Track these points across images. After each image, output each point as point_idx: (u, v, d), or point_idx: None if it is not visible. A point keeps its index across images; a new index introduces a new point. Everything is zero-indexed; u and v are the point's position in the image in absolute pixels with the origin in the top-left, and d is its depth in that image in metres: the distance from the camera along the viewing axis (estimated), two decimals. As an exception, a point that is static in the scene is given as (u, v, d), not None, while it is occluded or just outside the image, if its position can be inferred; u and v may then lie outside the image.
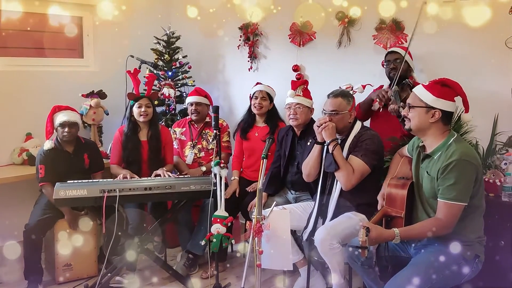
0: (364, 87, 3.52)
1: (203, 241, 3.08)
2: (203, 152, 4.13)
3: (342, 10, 3.94)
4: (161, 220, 3.49)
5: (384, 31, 3.78)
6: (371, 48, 3.87)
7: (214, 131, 3.37)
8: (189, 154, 4.12)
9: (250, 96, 4.04)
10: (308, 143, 3.40)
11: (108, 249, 3.19)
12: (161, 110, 4.63)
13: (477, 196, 2.48)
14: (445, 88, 2.54)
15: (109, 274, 3.41)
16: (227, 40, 4.75)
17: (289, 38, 4.32)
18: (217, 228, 2.99)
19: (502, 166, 3.12)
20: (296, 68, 4.32)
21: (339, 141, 3.10)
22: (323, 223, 3.06)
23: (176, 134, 4.19)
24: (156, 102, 4.26)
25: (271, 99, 3.98)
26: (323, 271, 3.37)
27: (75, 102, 4.05)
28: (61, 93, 4.27)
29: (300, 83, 3.57)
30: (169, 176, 3.56)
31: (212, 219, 3.04)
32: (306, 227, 3.18)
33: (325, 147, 3.09)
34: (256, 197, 2.67)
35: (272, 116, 4.00)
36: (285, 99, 3.57)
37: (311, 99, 3.57)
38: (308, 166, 3.19)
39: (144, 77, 4.28)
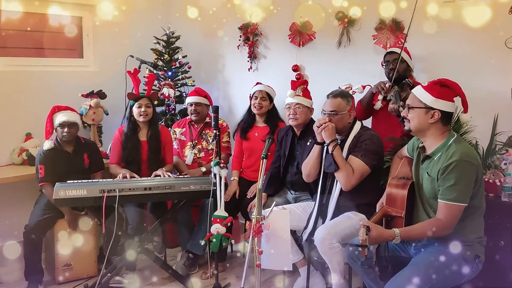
0: (364, 87, 3.52)
1: (203, 241, 3.08)
2: (203, 153, 4.13)
3: (342, 10, 3.94)
4: (160, 220, 3.49)
5: (384, 31, 3.78)
6: (371, 48, 3.87)
7: (214, 131, 3.37)
8: (189, 155, 4.12)
9: (250, 96, 4.04)
10: (308, 143, 3.40)
11: (108, 249, 3.19)
12: (161, 110, 4.63)
13: (477, 197, 2.48)
14: (444, 88, 2.54)
15: (109, 274, 3.41)
16: (227, 40, 4.75)
17: (289, 38, 4.32)
18: (217, 228, 3.00)
19: (502, 166, 3.12)
20: (296, 68, 4.32)
21: (339, 141, 3.10)
22: (323, 223, 3.06)
23: (176, 134, 4.19)
24: (156, 102, 4.26)
25: (271, 99, 3.98)
26: (323, 271, 3.37)
27: (75, 102, 4.05)
28: (61, 93, 4.27)
29: (300, 83, 3.57)
30: (169, 176, 3.55)
31: (212, 219, 3.04)
32: (306, 227, 3.18)
33: (325, 147, 3.09)
34: (256, 197, 2.67)
35: (272, 116, 3.99)
36: (285, 99, 3.57)
37: (311, 99, 3.57)
38: (308, 167, 3.19)
39: (144, 77, 4.29)
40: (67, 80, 4.40)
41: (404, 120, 2.62)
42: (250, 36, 4.56)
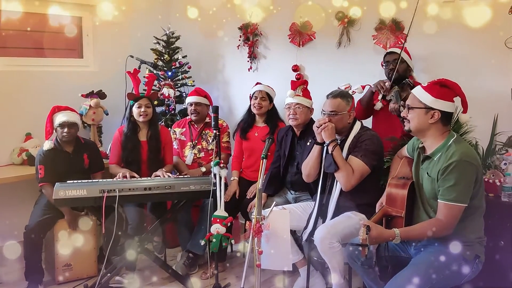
0: (363, 87, 3.52)
1: (203, 241, 3.08)
2: (203, 153, 4.13)
3: (342, 10, 3.94)
4: (160, 220, 3.49)
5: (383, 31, 3.78)
6: (371, 48, 3.87)
7: (214, 131, 3.37)
8: (189, 155, 4.12)
9: (250, 96, 4.04)
10: (308, 143, 3.40)
11: (107, 249, 3.19)
12: (160, 110, 4.63)
13: (477, 197, 2.48)
14: (444, 88, 2.54)
15: (108, 274, 3.41)
16: (227, 40, 4.75)
17: (289, 38, 4.32)
18: (217, 228, 3.00)
19: (501, 166, 3.12)
20: (295, 68, 4.32)
21: (339, 141, 3.10)
22: (323, 223, 3.06)
23: (176, 134, 4.19)
24: (155, 102, 4.26)
25: (270, 99, 3.98)
26: (323, 271, 3.37)
27: (74, 102, 4.05)
28: (60, 93, 4.27)
29: (300, 83, 3.56)
30: (168, 176, 3.55)
31: (212, 219, 3.04)
32: (306, 227, 3.18)
33: (325, 147, 3.09)
34: (256, 197, 2.67)
35: (271, 116, 3.99)
36: (284, 99, 3.57)
37: (311, 99, 3.57)
38: (308, 167, 3.19)
39: (144, 77, 4.28)
40: (67, 80, 4.40)
41: (404, 120, 2.62)
42: (250, 36, 4.56)
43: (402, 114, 2.66)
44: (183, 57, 4.73)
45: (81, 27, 4.62)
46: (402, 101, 3.18)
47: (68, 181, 3.19)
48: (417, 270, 2.45)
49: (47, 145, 3.53)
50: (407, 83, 3.34)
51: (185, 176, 3.72)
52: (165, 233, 3.89)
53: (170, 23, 4.83)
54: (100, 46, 4.70)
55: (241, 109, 4.38)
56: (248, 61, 4.62)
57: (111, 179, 3.48)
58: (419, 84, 2.71)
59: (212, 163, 3.28)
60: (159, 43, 4.68)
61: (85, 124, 4.30)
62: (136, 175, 3.59)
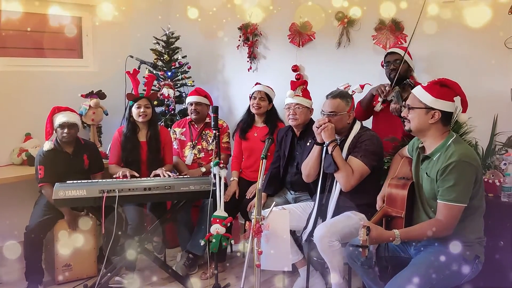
0: (362, 87, 3.52)
1: (203, 241, 3.08)
2: (203, 153, 4.13)
3: (341, 11, 3.94)
4: (160, 220, 3.49)
5: (383, 32, 3.78)
6: (371, 48, 3.86)
7: (214, 132, 3.37)
8: (189, 155, 4.12)
9: (249, 97, 4.04)
10: (308, 144, 3.40)
11: (107, 249, 3.19)
12: (160, 110, 4.63)
13: (477, 197, 2.48)
14: (444, 88, 2.54)
15: (108, 274, 3.41)
16: (227, 41, 4.75)
17: (289, 39, 4.32)
18: (217, 229, 3.00)
19: (501, 166, 3.11)
20: (295, 68, 4.32)
21: (338, 141, 3.10)
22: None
23: (176, 134, 4.19)
24: (155, 103, 4.26)
25: (270, 99, 3.98)
26: (322, 271, 3.37)
27: (74, 102, 4.05)
28: (60, 93, 4.27)
29: (300, 83, 3.56)
30: (168, 176, 3.55)
31: (212, 219, 3.04)
32: (305, 227, 3.18)
33: (325, 147, 3.09)
34: (256, 197, 2.67)
35: (271, 116, 4.00)
36: (284, 100, 3.57)
37: (311, 99, 3.56)
38: (308, 167, 3.19)
39: (144, 77, 4.28)
40: (66, 80, 4.40)
41: (405, 120, 2.62)
42: (250, 36, 4.56)
43: (402, 114, 2.66)
44: (182, 57, 4.72)
45: (80, 27, 4.62)
46: (403, 102, 3.18)
47: (67, 181, 3.19)
48: (417, 270, 2.45)
49: (47, 145, 3.53)
50: (408, 84, 3.34)
51: (185, 176, 3.72)
52: (165, 234, 3.89)
53: (170, 23, 4.83)
54: (100, 46, 4.70)
55: (241, 109, 4.38)
56: (248, 61, 4.62)
57: (110, 179, 3.48)
58: (420, 84, 2.71)
59: (212, 163, 3.28)
60: (158, 43, 4.68)
61: (85, 124, 4.30)
62: (136, 174, 3.59)
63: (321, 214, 3.13)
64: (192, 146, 4.13)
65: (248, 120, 4.05)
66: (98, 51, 4.70)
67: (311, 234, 3.06)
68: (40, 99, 4.19)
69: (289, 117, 3.50)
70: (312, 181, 3.24)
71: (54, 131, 3.58)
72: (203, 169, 4.08)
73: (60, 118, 3.53)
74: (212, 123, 3.42)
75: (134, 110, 3.73)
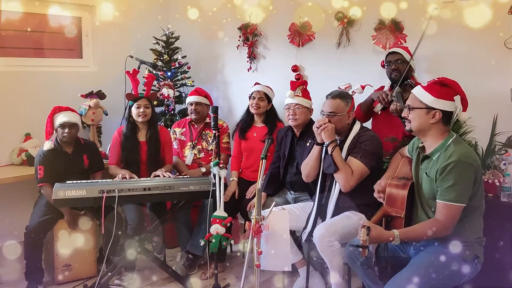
0: (363, 87, 3.51)
1: (202, 241, 3.08)
2: (203, 153, 4.13)
3: (341, 11, 3.94)
4: (160, 220, 3.49)
5: (383, 32, 3.78)
6: (370, 48, 3.86)
7: (214, 132, 3.37)
8: (189, 155, 4.12)
9: (248, 96, 4.04)
10: (308, 144, 3.40)
11: (107, 250, 3.19)
12: (160, 110, 4.63)
13: (476, 197, 2.48)
14: (444, 88, 2.54)
15: (108, 274, 3.41)
16: (227, 41, 4.75)
17: (288, 39, 4.32)
18: (216, 229, 3.00)
19: (501, 166, 3.12)
20: (295, 69, 4.32)
21: (338, 142, 3.10)
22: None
23: (176, 134, 4.19)
24: (155, 103, 4.26)
25: (269, 99, 3.98)
26: (322, 271, 3.37)
27: (74, 102, 4.05)
28: (60, 93, 4.27)
29: (299, 84, 3.56)
30: (168, 176, 3.55)
31: (211, 219, 3.04)
32: (305, 228, 3.18)
33: (324, 148, 3.09)
34: (255, 197, 2.67)
35: (270, 116, 4.00)
36: (284, 100, 3.57)
37: (310, 99, 3.56)
38: (308, 167, 3.19)
39: (143, 77, 4.28)
40: (66, 81, 4.40)
41: (405, 120, 2.62)
42: (250, 36, 4.56)
43: (403, 115, 2.65)
44: (182, 57, 4.72)
45: (80, 28, 4.62)
46: (404, 102, 3.17)
47: (67, 182, 3.19)
48: (417, 270, 2.45)
49: (47, 145, 3.53)
50: (408, 84, 3.33)
51: (184, 176, 3.73)
52: (165, 234, 3.89)
53: (170, 24, 4.83)
54: (100, 46, 4.70)
55: (240, 110, 4.37)
56: (247, 62, 4.62)
57: (110, 180, 3.48)
58: (420, 84, 2.71)
59: (211, 163, 3.28)
60: (158, 43, 4.68)
61: (85, 125, 4.30)
62: (135, 176, 3.59)
63: (321, 214, 3.13)
64: (192, 146, 4.13)
65: (247, 120, 4.05)
66: (98, 51, 4.70)
67: (310, 234, 3.06)
68: (39, 99, 4.19)
69: (289, 117, 3.50)
70: (312, 181, 3.24)
71: (54, 131, 3.58)
72: (203, 169, 4.08)
73: (60, 118, 3.53)
74: (212, 123, 3.42)
75: (134, 110, 3.73)
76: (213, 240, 2.97)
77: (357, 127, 3.13)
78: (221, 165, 3.25)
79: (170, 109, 4.62)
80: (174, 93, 4.56)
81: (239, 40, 4.62)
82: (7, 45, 4.23)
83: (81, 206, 3.46)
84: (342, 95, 3.11)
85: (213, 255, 3.29)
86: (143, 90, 3.88)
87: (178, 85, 4.69)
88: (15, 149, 4.13)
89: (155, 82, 4.50)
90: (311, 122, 3.45)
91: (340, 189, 3.03)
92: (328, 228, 2.89)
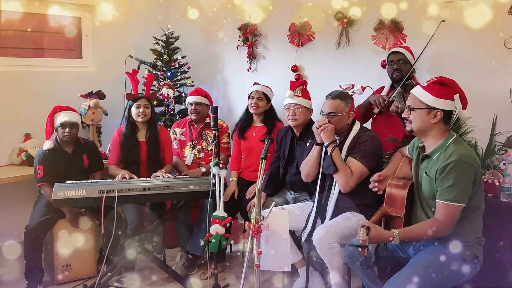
0: (363, 88, 3.51)
1: (202, 241, 3.08)
2: (203, 153, 4.13)
3: (341, 11, 3.94)
4: (160, 220, 3.49)
5: (383, 32, 3.78)
6: (370, 48, 3.86)
7: (213, 132, 3.37)
8: (189, 155, 4.12)
9: (247, 96, 4.04)
10: (307, 144, 3.40)
11: (107, 250, 3.19)
12: (160, 110, 4.63)
13: (476, 197, 2.48)
14: (443, 87, 2.54)
15: (108, 274, 3.41)
16: (226, 41, 4.75)
17: (288, 39, 4.32)
18: (216, 229, 2.99)
19: (501, 166, 3.12)
20: (295, 69, 4.32)
21: (338, 142, 3.10)
22: (321, 224, 3.06)
23: (176, 134, 4.19)
24: (155, 103, 4.26)
25: (268, 99, 3.98)
26: (322, 271, 3.37)
27: (74, 102, 4.04)
28: (60, 93, 4.27)
29: (299, 84, 3.56)
30: (168, 177, 3.55)
31: (211, 219, 3.04)
32: (305, 228, 3.18)
33: (324, 148, 3.08)
34: (255, 197, 2.67)
35: (269, 116, 4.00)
36: (284, 100, 3.57)
37: (310, 99, 3.56)
38: (307, 167, 3.19)
39: (143, 77, 4.28)
40: (66, 81, 4.40)
41: (406, 121, 2.62)
42: (249, 36, 4.56)
43: (403, 115, 2.65)
44: (182, 57, 4.72)
45: (80, 28, 4.62)
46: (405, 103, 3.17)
47: (67, 182, 3.19)
48: (416, 269, 2.45)
49: (47, 145, 3.53)
50: (410, 84, 3.32)
51: (184, 176, 3.73)
52: (165, 234, 3.89)
53: (170, 24, 4.83)
54: (100, 46, 4.70)
55: (240, 110, 4.37)
56: (247, 62, 4.62)
57: (110, 180, 3.48)
58: (419, 84, 2.71)
59: (211, 163, 3.28)
60: (158, 43, 4.68)
61: (84, 125, 4.30)
62: (135, 176, 3.59)
63: (320, 214, 3.13)
64: (192, 146, 4.13)
65: (246, 120, 4.05)
66: (97, 51, 4.70)
67: (310, 234, 3.06)
68: (39, 99, 4.19)
69: (289, 117, 3.50)
70: (311, 181, 3.24)
71: (54, 131, 3.58)
72: (203, 169, 4.08)
73: (61, 118, 3.53)
74: (212, 123, 3.42)
75: (134, 110, 3.73)
76: (213, 240, 2.97)
77: (356, 127, 3.12)
78: (220, 165, 3.25)
79: (169, 109, 4.62)
80: (173, 93, 4.56)
81: (239, 40, 4.62)
82: (7, 45, 4.23)
83: (81, 206, 3.46)
84: (342, 96, 3.11)
85: (212, 255, 3.28)
86: (143, 90, 3.88)
87: (178, 85, 4.69)
88: (14, 149, 4.13)
89: (154, 82, 4.50)
90: (311, 122, 3.45)
91: (339, 190, 3.03)
92: (328, 229, 2.89)
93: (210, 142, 4.05)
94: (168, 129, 4.23)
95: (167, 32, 4.69)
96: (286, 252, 2.80)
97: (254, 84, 4.04)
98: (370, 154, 2.99)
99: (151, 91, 4.04)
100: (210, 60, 4.95)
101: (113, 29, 4.69)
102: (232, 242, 3.45)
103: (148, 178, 3.48)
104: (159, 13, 5.02)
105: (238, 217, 4.12)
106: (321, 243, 2.85)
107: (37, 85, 4.26)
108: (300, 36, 4.25)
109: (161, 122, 4.50)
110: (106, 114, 4.40)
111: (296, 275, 3.48)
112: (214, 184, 3.18)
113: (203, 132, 4.14)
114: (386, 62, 3.55)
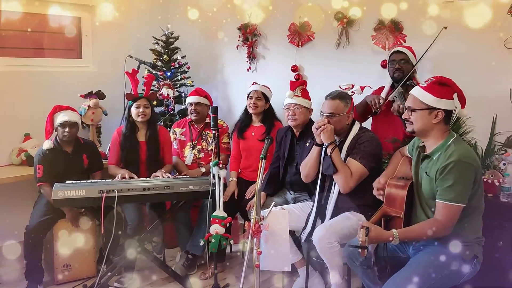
0: (362, 88, 3.51)
1: (202, 241, 3.08)
2: (203, 153, 4.13)
3: (341, 11, 3.94)
4: (159, 220, 3.49)
5: (383, 32, 3.78)
6: (370, 48, 3.87)
7: (213, 132, 3.37)
8: (189, 155, 4.12)
9: (246, 96, 4.04)
10: (307, 144, 3.40)
11: (107, 250, 3.19)
12: (159, 110, 4.63)
13: (476, 197, 2.48)
14: (443, 87, 2.54)
15: (108, 274, 3.41)
16: (226, 41, 4.75)
17: (288, 39, 4.32)
18: (216, 229, 2.99)
19: (500, 166, 3.12)
20: (295, 69, 4.32)
21: (337, 142, 3.10)
22: (321, 224, 3.06)
23: (176, 134, 4.19)
24: (154, 103, 4.26)
25: (266, 99, 3.98)
26: (322, 271, 3.37)
27: (73, 102, 4.04)
28: (59, 93, 4.26)
29: (299, 84, 3.56)
30: (168, 177, 3.55)
31: (211, 219, 3.04)
32: (304, 228, 3.18)
33: (324, 148, 3.08)
34: (255, 197, 2.67)
35: (268, 115, 4.00)
36: (283, 100, 3.57)
37: (310, 99, 3.56)
38: (307, 167, 3.19)
39: (143, 77, 4.28)
40: (66, 81, 4.40)
41: (406, 122, 2.62)
42: (249, 36, 4.56)
43: (404, 116, 2.65)
44: (182, 57, 4.72)
45: (80, 28, 4.62)
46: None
47: (67, 182, 3.19)
48: (416, 269, 2.45)
49: (47, 144, 3.53)
50: (410, 85, 3.32)
51: (184, 176, 3.73)
52: (164, 234, 3.89)
53: (170, 24, 4.83)
54: (99, 46, 4.70)
55: (240, 109, 4.36)
56: (247, 62, 4.62)
57: (110, 180, 3.48)
58: (419, 84, 2.71)
59: (211, 163, 3.28)
60: (158, 43, 4.68)
61: (84, 125, 4.30)
62: (135, 176, 3.59)
63: (320, 214, 3.13)
64: (192, 146, 4.13)
65: (245, 120, 4.06)
66: (97, 51, 4.70)
67: (310, 234, 3.06)
68: (39, 99, 4.19)
69: (289, 117, 3.50)
70: (311, 181, 3.24)
71: (54, 130, 3.58)
72: (203, 169, 4.08)
73: (61, 117, 3.53)
74: (212, 123, 3.42)
75: (133, 110, 3.73)
76: (213, 240, 2.97)
77: (356, 127, 3.12)
78: (220, 165, 3.25)
79: (169, 109, 4.62)
80: (173, 93, 4.56)
81: (238, 40, 4.62)
82: (7, 45, 4.23)
83: (81, 206, 3.46)
84: (342, 96, 3.11)
85: (212, 255, 3.28)
86: (143, 90, 3.88)
87: (178, 85, 4.69)
88: (14, 149, 4.13)
89: (154, 82, 4.50)
90: (311, 122, 3.45)
91: (339, 190, 3.03)
92: (328, 229, 2.89)
93: (210, 142, 4.05)
94: (168, 129, 4.23)
95: (167, 32, 4.69)
96: (286, 252, 2.80)
97: (252, 84, 4.04)
98: (369, 155, 2.99)
99: (151, 91, 4.04)
100: (210, 60, 4.95)
101: (113, 29, 4.69)
102: (232, 242, 3.45)
103: (148, 178, 3.48)
104: (159, 13, 5.02)
105: (238, 217, 4.12)
106: (321, 242, 2.85)
107: (37, 85, 4.26)
108: (300, 36, 4.26)
109: (161, 122, 4.50)
110: (106, 114, 4.40)
111: (296, 275, 3.48)
112: (214, 184, 3.18)
113: (203, 132, 4.14)
114: (387, 61, 3.54)
